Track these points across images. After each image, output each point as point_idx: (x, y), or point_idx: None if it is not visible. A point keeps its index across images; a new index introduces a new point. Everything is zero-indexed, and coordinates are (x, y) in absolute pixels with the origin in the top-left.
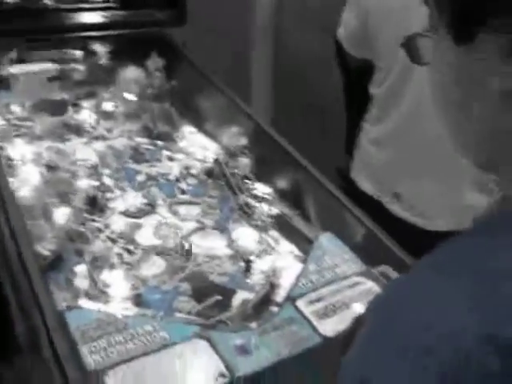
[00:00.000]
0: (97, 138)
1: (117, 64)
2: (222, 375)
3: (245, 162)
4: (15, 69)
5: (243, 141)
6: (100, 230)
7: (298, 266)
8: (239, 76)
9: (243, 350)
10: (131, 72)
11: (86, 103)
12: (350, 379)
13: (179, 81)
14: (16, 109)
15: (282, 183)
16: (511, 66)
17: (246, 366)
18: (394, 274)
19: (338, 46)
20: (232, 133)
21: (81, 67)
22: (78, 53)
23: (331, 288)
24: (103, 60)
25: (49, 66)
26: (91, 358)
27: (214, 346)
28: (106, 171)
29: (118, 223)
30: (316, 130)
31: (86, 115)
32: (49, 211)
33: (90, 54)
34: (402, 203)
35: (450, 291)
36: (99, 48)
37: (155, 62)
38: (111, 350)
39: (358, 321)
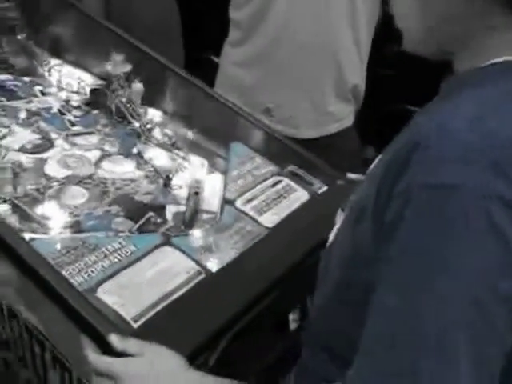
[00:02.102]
0: None
1: None
2: (199, 272)
3: (138, 88)
4: None
5: (125, 67)
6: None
7: (213, 177)
8: None
9: (207, 250)
10: None
11: None
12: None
13: (33, 10)
14: None
15: (171, 104)
16: None
17: (215, 263)
18: (300, 171)
19: None
20: (110, 60)
21: None
22: None
23: (258, 188)
24: None
25: None
26: (74, 280)
27: (180, 249)
28: None
29: (20, 160)
30: None
31: None
32: None
33: None
34: (273, 117)
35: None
36: None
37: None
38: (90, 269)
39: None
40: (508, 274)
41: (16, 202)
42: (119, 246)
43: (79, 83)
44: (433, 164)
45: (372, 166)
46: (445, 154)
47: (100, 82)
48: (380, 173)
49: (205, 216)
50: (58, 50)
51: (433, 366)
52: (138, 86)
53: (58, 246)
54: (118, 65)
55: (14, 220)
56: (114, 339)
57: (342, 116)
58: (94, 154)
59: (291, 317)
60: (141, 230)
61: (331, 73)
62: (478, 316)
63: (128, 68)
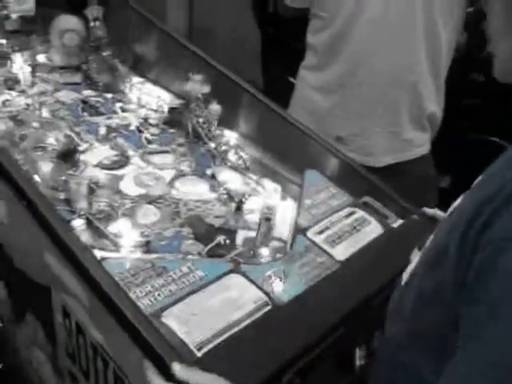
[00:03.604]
0: (38, 93)
1: (50, 13)
2: (266, 303)
3: (215, 109)
4: None
5: (204, 89)
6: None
7: (285, 203)
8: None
9: (276, 279)
10: (68, 22)
11: (20, 55)
12: None
13: (119, 29)
14: None
15: (246, 127)
16: None
17: (283, 294)
18: (376, 204)
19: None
20: (189, 80)
21: (14, 16)
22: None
23: (331, 219)
24: (32, 8)
25: None
26: (140, 302)
27: (248, 278)
28: (64, 125)
29: (99, 176)
30: None
31: (20, 67)
32: (35, 166)
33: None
34: (345, 145)
35: None
36: None
37: (94, 9)
38: (157, 293)
39: None
40: None
41: (90, 217)
42: (187, 270)
43: (158, 101)
44: None
45: (456, 203)
46: None
47: (179, 101)
48: (468, 213)
49: (275, 244)
50: (140, 69)
51: None
52: (215, 108)
53: (127, 267)
54: (196, 85)
55: (87, 236)
56: (177, 368)
57: (418, 143)
58: (169, 173)
59: (358, 353)
60: (210, 254)
61: (408, 100)
62: None
63: (206, 89)
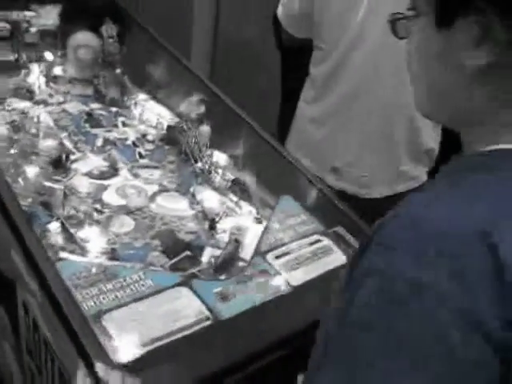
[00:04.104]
0: (48, 103)
1: (69, 29)
2: (207, 318)
3: (205, 130)
4: None
5: (200, 109)
6: (68, 190)
7: (258, 227)
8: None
9: (223, 297)
10: (84, 37)
11: (36, 66)
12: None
13: (132, 48)
14: None
15: (238, 150)
16: (480, 52)
17: (226, 311)
18: (347, 235)
19: (277, 25)
20: (186, 101)
21: (33, 30)
22: (31, 14)
23: (294, 244)
24: (56, 24)
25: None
26: (85, 304)
27: (196, 292)
28: (64, 134)
29: (83, 184)
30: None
31: (36, 78)
32: (20, 169)
33: (43, 16)
34: (341, 176)
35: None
36: (52, 11)
37: (109, 28)
38: (103, 296)
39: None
40: None
41: (64, 221)
42: (138, 278)
43: (158, 119)
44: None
45: None
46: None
47: (178, 120)
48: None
49: (240, 264)
50: (147, 86)
51: None
52: (205, 129)
53: (81, 269)
54: (192, 105)
55: (60, 238)
56: (100, 368)
57: (414, 175)
58: (153, 188)
59: (299, 378)
60: (172, 267)
61: (405, 133)
62: None
63: (201, 110)
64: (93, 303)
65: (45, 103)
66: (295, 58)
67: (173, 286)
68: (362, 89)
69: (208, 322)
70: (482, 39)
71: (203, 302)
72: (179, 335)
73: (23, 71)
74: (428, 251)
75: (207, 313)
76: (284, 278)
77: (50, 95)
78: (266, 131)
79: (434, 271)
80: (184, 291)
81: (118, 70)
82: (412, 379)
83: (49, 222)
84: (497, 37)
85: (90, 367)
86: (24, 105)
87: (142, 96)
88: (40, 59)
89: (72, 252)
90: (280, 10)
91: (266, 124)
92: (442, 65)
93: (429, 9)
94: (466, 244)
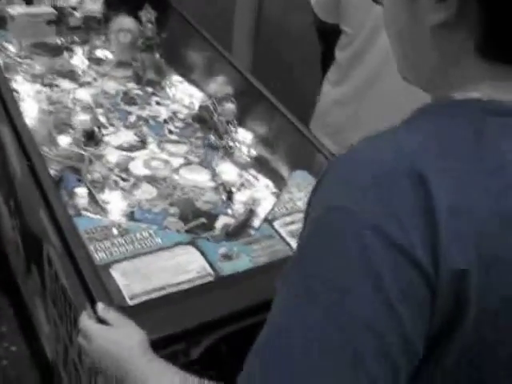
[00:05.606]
0: (89, 82)
1: (111, 14)
2: (209, 274)
3: (230, 108)
4: (13, 9)
5: (228, 89)
6: (97, 159)
7: (273, 199)
8: (223, 32)
9: (226, 257)
10: (124, 22)
11: (79, 49)
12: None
13: (169, 33)
14: (13, 48)
15: (262, 129)
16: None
17: (228, 269)
18: None
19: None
20: (217, 82)
21: (77, 14)
22: (76, 0)
23: (302, 214)
24: (99, 10)
25: (47, 9)
26: (97, 255)
27: (201, 251)
28: (100, 111)
29: (113, 155)
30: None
31: (79, 60)
32: (53, 138)
33: (87, 3)
34: None
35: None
36: None
37: (148, 13)
38: (114, 249)
39: None
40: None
41: (89, 185)
42: (147, 235)
43: (191, 99)
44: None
45: None
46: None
47: (210, 100)
48: None
49: (252, 232)
50: (182, 70)
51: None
52: (230, 107)
53: (97, 225)
54: (220, 85)
55: (84, 201)
56: (99, 307)
57: None
58: (178, 161)
59: None
60: (187, 232)
61: None
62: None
63: (228, 90)
64: (104, 255)
65: (86, 83)
66: (329, 43)
67: (179, 244)
68: (385, 71)
69: (209, 278)
70: None
71: (207, 260)
72: (180, 287)
73: (67, 53)
74: (358, 181)
75: (210, 270)
76: (288, 244)
77: (92, 76)
78: (292, 114)
79: (361, 197)
80: (190, 249)
81: (156, 54)
82: (340, 304)
83: (77, 186)
84: None
85: (94, 308)
86: (66, 84)
87: (176, 78)
88: (83, 43)
89: (93, 212)
90: None
91: (300, 110)
92: (410, 26)
93: None
94: (395, 176)
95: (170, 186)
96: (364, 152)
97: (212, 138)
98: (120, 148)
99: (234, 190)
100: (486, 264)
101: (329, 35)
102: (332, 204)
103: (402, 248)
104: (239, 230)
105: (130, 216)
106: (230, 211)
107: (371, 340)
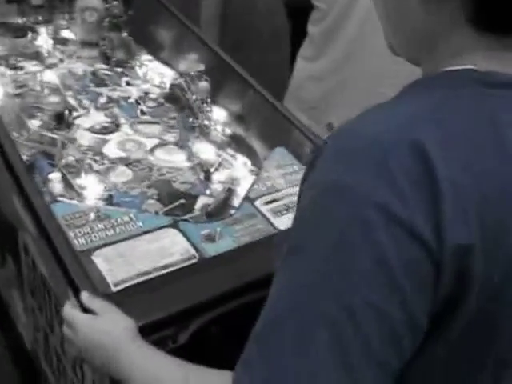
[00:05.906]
0: (55, 64)
1: None
2: (193, 256)
3: (203, 86)
4: None
5: (200, 67)
6: (69, 143)
7: (251, 177)
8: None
9: (209, 238)
10: (89, 0)
11: (43, 29)
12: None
13: (136, 10)
14: None
15: (235, 106)
16: None
17: (212, 250)
18: None
19: None
20: (188, 59)
21: None
22: None
23: (284, 192)
24: None
25: None
26: (76, 241)
27: (184, 233)
28: (69, 93)
29: (86, 138)
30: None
31: (43, 41)
32: (22, 122)
33: None
34: None
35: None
36: None
37: None
38: (94, 235)
39: None
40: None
41: (63, 170)
42: (128, 219)
43: (162, 78)
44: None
45: None
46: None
47: (181, 79)
48: None
49: (232, 211)
50: (152, 48)
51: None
52: (204, 85)
53: (75, 211)
54: (192, 63)
55: (59, 186)
56: (84, 296)
57: None
58: (152, 142)
59: None
60: (167, 214)
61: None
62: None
63: (201, 67)
64: (84, 241)
65: (53, 65)
66: (299, 18)
67: (161, 228)
68: (359, 47)
69: (193, 261)
70: None
71: (190, 242)
72: (164, 271)
73: (30, 34)
74: (357, 156)
75: (193, 251)
76: (271, 222)
77: (57, 57)
78: (265, 89)
79: (360, 172)
80: (172, 232)
81: (124, 33)
82: (343, 280)
83: (51, 172)
84: None
85: (77, 297)
86: (31, 65)
87: (146, 57)
88: (47, 22)
89: (69, 198)
90: None
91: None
92: None
93: None
94: (396, 150)
95: (146, 167)
96: (362, 126)
97: (186, 117)
98: (92, 130)
99: (211, 169)
100: (490, 237)
101: (299, 10)
102: (332, 180)
103: (405, 223)
104: (219, 209)
105: (108, 200)
106: (208, 191)
107: (374, 316)
